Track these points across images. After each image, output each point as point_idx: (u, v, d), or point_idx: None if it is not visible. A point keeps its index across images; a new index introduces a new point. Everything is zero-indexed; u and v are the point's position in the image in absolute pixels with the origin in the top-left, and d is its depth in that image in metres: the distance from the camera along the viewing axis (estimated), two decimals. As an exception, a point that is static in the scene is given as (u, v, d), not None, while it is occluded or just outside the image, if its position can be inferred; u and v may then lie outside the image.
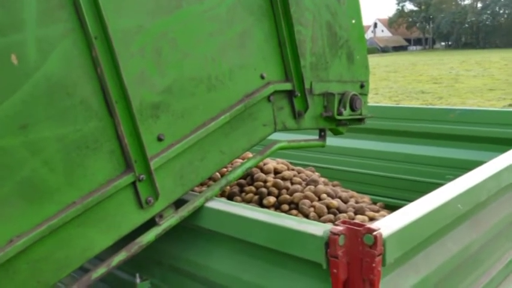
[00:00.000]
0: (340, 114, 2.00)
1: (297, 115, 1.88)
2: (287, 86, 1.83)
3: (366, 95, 2.16)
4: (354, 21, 2.05)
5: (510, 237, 1.96)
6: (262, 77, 1.75)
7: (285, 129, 1.86)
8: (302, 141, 2.03)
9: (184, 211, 1.57)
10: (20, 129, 1.23)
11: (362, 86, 2.14)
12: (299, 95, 1.86)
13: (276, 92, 1.80)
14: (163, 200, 1.51)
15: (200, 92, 1.57)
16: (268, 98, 1.78)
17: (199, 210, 1.56)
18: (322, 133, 2.09)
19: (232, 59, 1.66)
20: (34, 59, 1.24)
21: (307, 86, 1.87)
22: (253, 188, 2.24)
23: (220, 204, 1.53)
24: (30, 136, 1.24)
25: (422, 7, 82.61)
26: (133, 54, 1.42)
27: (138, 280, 1.74)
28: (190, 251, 1.61)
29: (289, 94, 1.85)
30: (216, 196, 2.19)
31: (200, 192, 1.66)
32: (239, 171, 1.78)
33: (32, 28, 1.23)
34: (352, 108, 2.05)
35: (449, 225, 1.44)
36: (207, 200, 1.64)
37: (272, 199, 2.16)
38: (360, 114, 2.11)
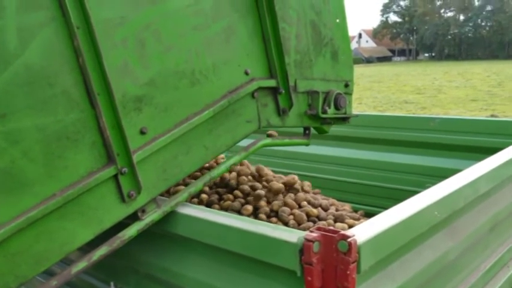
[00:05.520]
0: (324, 112, 2.01)
1: (281, 112, 1.88)
2: (271, 83, 1.82)
3: (350, 94, 2.17)
4: (338, 20, 2.06)
5: (488, 245, 1.96)
6: (246, 73, 1.75)
7: (269, 126, 1.86)
8: (286, 138, 2.02)
9: (167, 206, 1.54)
10: None
11: (346, 85, 2.14)
12: (283, 92, 1.86)
13: (260, 89, 1.79)
14: (145, 194, 1.48)
15: (184, 86, 1.56)
16: (252, 95, 1.77)
17: (174, 216, 1.53)
18: (307, 131, 2.10)
19: (216, 54, 1.65)
20: (14, 46, 1.21)
21: (291, 83, 1.87)
22: (231, 196, 2.21)
23: (195, 211, 1.51)
24: (9, 126, 1.21)
25: (406, 19, 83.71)
26: (116, 45, 1.39)
27: (112, 289, 1.71)
28: (164, 258, 1.58)
29: (274, 91, 1.85)
30: (194, 204, 2.18)
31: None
32: (223, 168, 1.77)
33: (11, 15, 1.20)
34: (337, 107, 2.06)
35: (426, 233, 1.43)
36: (190, 195, 1.63)
37: (250, 207, 2.13)
38: (345, 113, 2.11)
